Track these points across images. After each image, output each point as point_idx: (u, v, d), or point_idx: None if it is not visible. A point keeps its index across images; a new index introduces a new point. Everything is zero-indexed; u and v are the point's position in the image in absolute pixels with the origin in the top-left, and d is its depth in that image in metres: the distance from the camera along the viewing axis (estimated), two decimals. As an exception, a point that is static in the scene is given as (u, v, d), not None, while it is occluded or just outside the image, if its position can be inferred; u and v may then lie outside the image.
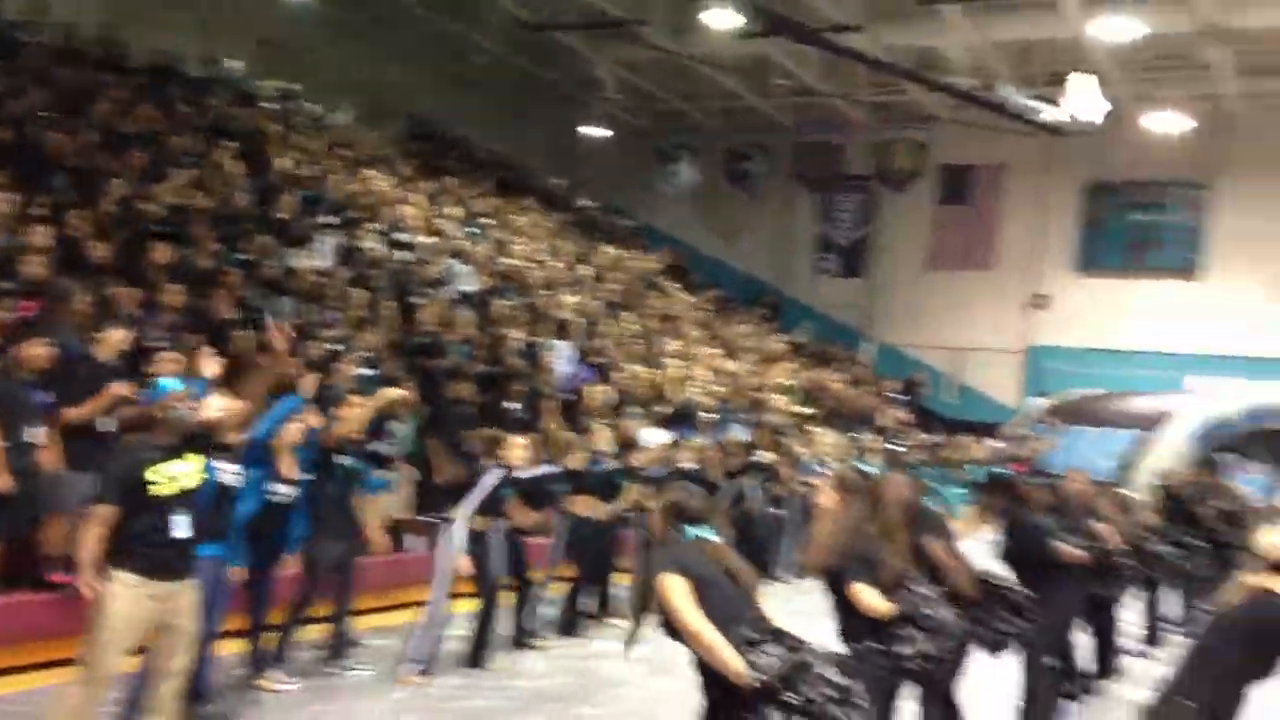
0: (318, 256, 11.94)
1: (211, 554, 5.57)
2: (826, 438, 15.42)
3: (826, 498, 5.21)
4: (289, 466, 6.55)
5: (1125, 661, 9.22)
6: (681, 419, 13.85)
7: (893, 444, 17.69)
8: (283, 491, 6.53)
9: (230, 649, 6.69)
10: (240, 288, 10.06)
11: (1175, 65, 20.67)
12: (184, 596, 5.03)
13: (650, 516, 4.32)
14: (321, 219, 12.75)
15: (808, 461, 13.95)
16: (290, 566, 6.79)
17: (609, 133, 26.25)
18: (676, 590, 3.88)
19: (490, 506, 7.56)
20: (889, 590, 4.89)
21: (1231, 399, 18.56)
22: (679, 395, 14.29)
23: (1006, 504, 6.89)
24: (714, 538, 4.11)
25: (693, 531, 4.08)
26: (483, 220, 16.96)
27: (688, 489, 4.44)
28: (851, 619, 4.94)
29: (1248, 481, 16.35)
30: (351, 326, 10.72)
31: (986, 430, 21.14)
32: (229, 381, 5.99)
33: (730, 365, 17.10)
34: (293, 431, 6.53)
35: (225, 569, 5.98)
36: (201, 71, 16.08)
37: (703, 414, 14.42)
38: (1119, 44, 19.05)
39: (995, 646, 5.95)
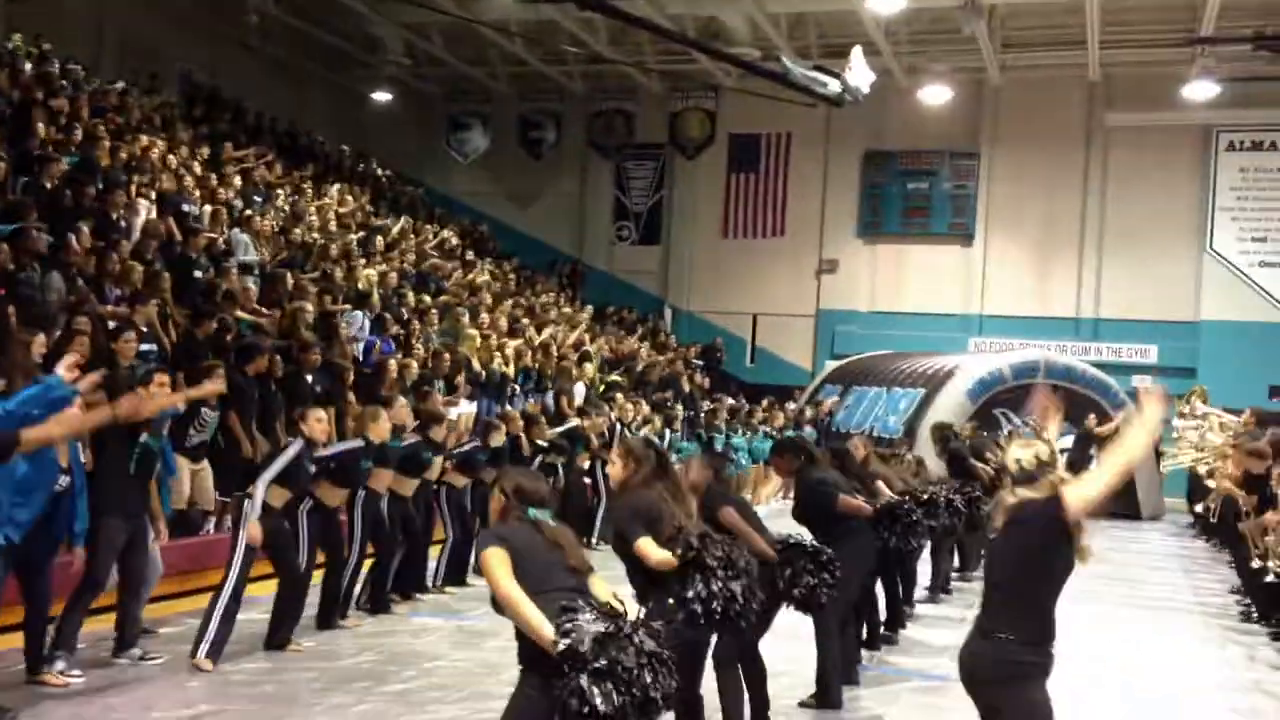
0: (89, 227, 11.15)
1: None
2: (632, 405, 15.59)
3: (614, 468, 5.23)
4: (63, 454, 6.15)
5: (917, 609, 9.76)
6: (485, 390, 13.72)
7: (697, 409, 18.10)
8: (61, 481, 6.14)
9: (7, 644, 6.30)
10: (4, 262, 9.29)
11: (943, 39, 21.75)
12: None
13: (492, 498, 4.41)
14: (91, 187, 11.90)
15: (616, 429, 14.08)
16: (68, 556, 6.38)
17: (397, 98, 25.63)
18: (493, 560, 3.95)
19: (294, 482, 7.30)
20: (672, 542, 4.92)
21: (1003, 356, 19.78)
22: (481, 366, 14.12)
23: (796, 465, 7.13)
24: (550, 520, 4.18)
25: (532, 513, 4.15)
26: (267, 187, 16.25)
27: (530, 473, 4.57)
28: (641, 578, 4.95)
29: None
30: (129, 302, 10.08)
31: (783, 393, 21.87)
32: None
33: (533, 335, 17.02)
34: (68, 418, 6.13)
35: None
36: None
37: (507, 385, 14.32)
38: (890, 17, 19.86)
39: (805, 604, 6.15)
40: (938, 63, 22.44)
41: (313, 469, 7.49)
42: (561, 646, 3.68)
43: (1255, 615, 10.34)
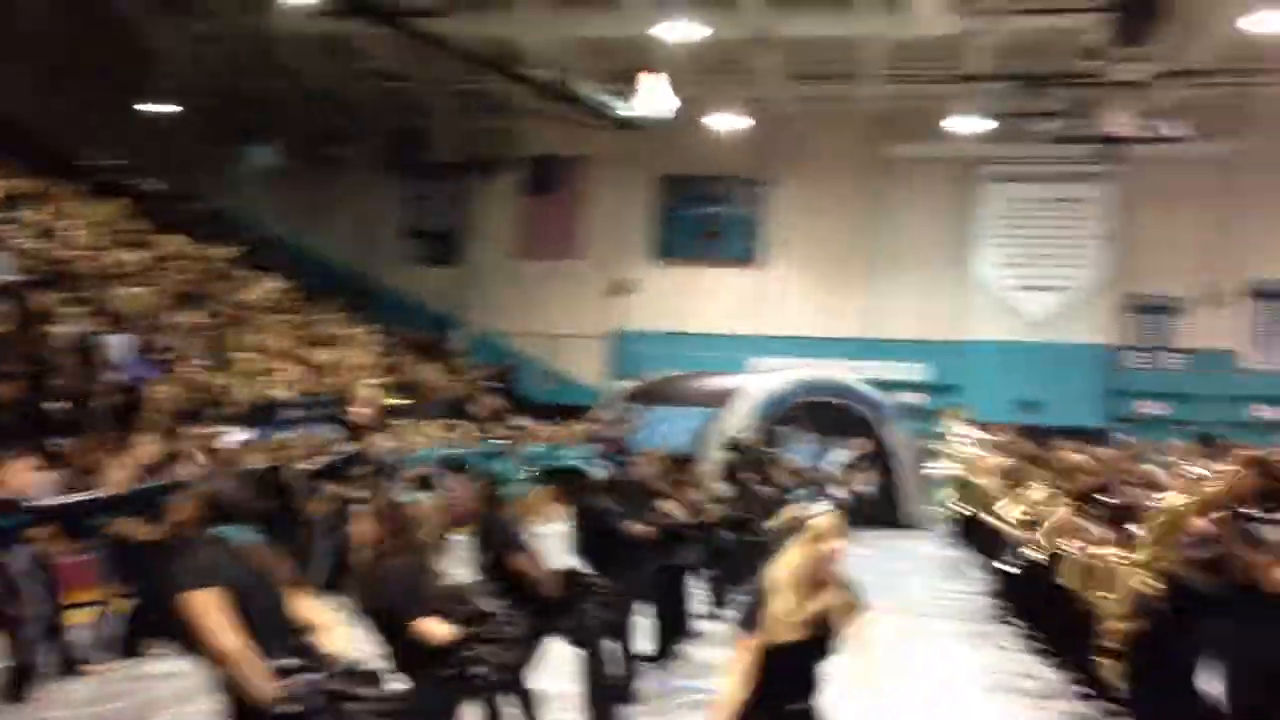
0: None
1: None
2: (420, 429, 15.29)
3: (368, 527, 4.86)
4: None
5: (697, 625, 9.83)
6: (258, 417, 13.16)
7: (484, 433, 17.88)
8: None
9: None
10: None
11: (736, 69, 22.32)
12: None
13: (184, 508, 3.93)
14: None
15: (401, 455, 13.74)
16: None
17: (177, 109, 24.44)
18: (204, 605, 3.56)
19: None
20: (441, 614, 4.67)
21: (785, 376, 20.35)
22: (254, 392, 13.57)
23: (571, 493, 7.08)
24: (253, 537, 3.80)
25: (231, 531, 3.75)
26: (23, 203, 15.21)
27: (233, 479, 4.16)
28: (407, 650, 4.62)
29: (799, 450, 18.02)
30: None
31: (578, 414, 21.86)
32: None
33: (314, 357, 16.49)
34: None
35: None
36: None
37: (283, 411, 13.79)
38: (684, 45, 20.27)
39: (583, 639, 6.12)
40: (730, 92, 23.02)
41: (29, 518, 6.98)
42: (282, 710, 3.40)
43: (1007, 617, 10.90)
